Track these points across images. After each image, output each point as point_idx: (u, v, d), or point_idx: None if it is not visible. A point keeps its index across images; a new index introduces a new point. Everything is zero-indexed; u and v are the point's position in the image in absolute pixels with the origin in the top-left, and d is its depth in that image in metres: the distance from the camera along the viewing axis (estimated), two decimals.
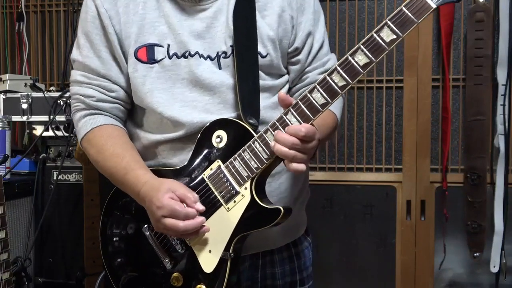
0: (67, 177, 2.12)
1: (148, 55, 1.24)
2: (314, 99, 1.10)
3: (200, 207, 1.15)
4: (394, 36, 1.06)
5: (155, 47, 1.24)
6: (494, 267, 2.31)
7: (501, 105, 2.27)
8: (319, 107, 1.10)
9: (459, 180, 2.38)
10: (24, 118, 2.22)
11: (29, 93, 2.22)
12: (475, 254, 2.36)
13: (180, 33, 1.23)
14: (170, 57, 1.24)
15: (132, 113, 1.35)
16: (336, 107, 1.33)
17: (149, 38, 1.24)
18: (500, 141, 2.29)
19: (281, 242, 1.35)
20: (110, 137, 1.27)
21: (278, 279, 1.36)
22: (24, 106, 2.21)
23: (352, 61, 1.08)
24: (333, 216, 2.51)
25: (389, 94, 2.45)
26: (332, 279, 2.53)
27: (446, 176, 2.37)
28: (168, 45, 1.24)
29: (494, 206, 2.30)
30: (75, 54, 1.31)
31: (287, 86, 1.35)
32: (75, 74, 1.31)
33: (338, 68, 1.09)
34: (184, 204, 1.14)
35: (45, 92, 2.23)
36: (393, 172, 2.45)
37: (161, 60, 1.24)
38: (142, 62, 1.25)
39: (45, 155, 2.14)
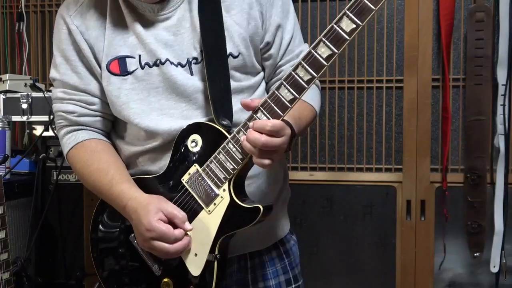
0: (67, 177, 2.11)
1: (120, 67, 1.24)
2: (281, 95, 1.10)
3: (189, 227, 1.16)
4: (354, 26, 1.05)
5: (127, 59, 1.24)
6: (494, 267, 2.31)
7: (501, 105, 2.28)
8: (287, 103, 1.09)
9: (459, 180, 2.38)
10: (24, 118, 2.22)
11: (29, 93, 2.22)
12: (475, 254, 2.36)
13: (149, 42, 1.23)
14: (142, 67, 1.24)
15: (115, 125, 1.36)
16: (313, 98, 1.32)
17: (120, 50, 1.24)
18: (500, 141, 2.29)
19: (268, 242, 1.35)
20: (94, 151, 1.28)
21: (271, 279, 1.36)
22: (24, 106, 2.21)
23: (315, 54, 1.07)
24: (333, 216, 2.51)
25: (389, 94, 2.45)
26: (332, 279, 2.53)
27: (446, 176, 2.37)
28: (140, 56, 1.24)
29: (494, 206, 2.31)
30: (53, 73, 1.32)
31: (263, 83, 1.34)
32: (56, 92, 1.32)
33: (302, 63, 1.08)
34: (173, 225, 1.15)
35: (45, 92, 2.23)
36: (393, 172, 2.45)
37: (134, 71, 1.24)
38: (115, 75, 1.25)
39: (45, 155, 2.14)
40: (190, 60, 1.23)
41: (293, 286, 1.40)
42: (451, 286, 2.46)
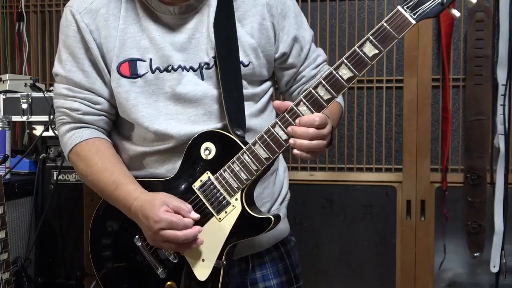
0: (67, 177, 2.12)
1: (130, 69, 1.24)
2: (300, 112, 1.13)
3: (195, 215, 1.17)
4: (376, 51, 1.09)
5: (138, 62, 1.24)
6: (494, 267, 2.31)
7: (501, 105, 2.28)
8: None
9: (459, 180, 2.38)
10: (24, 118, 2.22)
11: (29, 93, 2.22)
12: (475, 254, 2.36)
13: (162, 47, 1.23)
14: (153, 72, 1.24)
15: (118, 125, 1.35)
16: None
17: (131, 52, 1.24)
18: (500, 141, 2.29)
19: (269, 243, 1.36)
20: (98, 151, 1.28)
21: (272, 279, 1.37)
22: (24, 106, 2.21)
23: (337, 75, 1.10)
24: (333, 216, 2.51)
25: (389, 94, 2.45)
26: (332, 279, 2.53)
27: (446, 176, 2.37)
28: (151, 59, 1.24)
29: (494, 206, 2.31)
30: (57, 68, 1.30)
31: (269, 92, 1.36)
32: (59, 88, 1.30)
33: (323, 82, 1.11)
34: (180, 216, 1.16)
35: (45, 92, 2.23)
36: (393, 172, 2.45)
37: (144, 74, 1.24)
38: (125, 77, 1.24)
39: (45, 155, 2.14)
40: (202, 64, 1.24)
41: (295, 286, 1.41)
42: (451, 286, 2.46)
